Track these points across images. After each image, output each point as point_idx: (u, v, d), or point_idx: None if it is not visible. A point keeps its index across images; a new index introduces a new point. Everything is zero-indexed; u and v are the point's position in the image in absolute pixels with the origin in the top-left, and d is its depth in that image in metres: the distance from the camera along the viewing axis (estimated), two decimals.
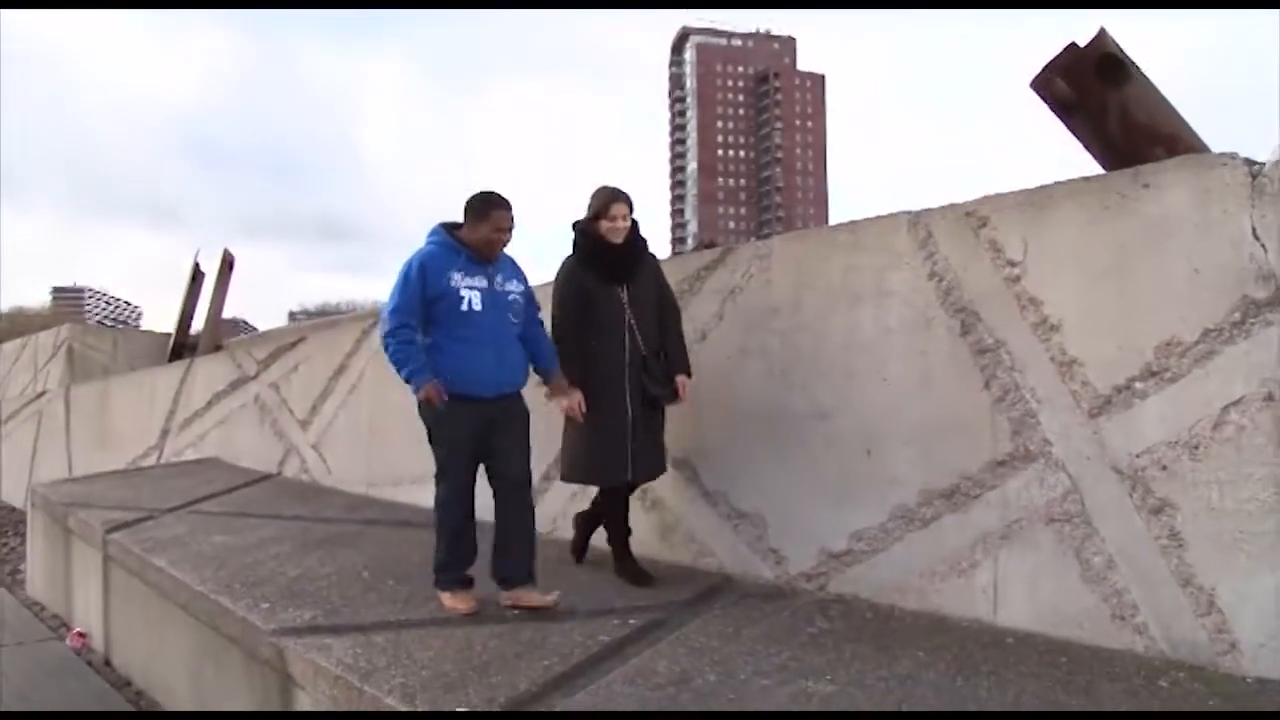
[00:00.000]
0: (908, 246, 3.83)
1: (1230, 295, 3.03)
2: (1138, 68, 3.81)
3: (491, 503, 3.89)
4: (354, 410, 6.89)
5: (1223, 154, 3.10)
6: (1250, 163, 3.04)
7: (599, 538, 4.47)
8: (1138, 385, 3.21)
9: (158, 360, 12.44)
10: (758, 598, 3.91)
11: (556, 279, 4.23)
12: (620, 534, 4.31)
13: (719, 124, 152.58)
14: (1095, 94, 3.81)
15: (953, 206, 3.75)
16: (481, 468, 3.91)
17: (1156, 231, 3.19)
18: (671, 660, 3.23)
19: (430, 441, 3.88)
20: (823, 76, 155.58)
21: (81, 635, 5.91)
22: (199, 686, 4.39)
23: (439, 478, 3.88)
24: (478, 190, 3.88)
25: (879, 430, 3.88)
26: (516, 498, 3.89)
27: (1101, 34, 3.83)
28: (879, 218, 3.98)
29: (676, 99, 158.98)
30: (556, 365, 4.09)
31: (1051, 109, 3.95)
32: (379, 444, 6.59)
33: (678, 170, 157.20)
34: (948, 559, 3.64)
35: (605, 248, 4.13)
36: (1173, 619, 3.11)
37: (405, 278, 3.77)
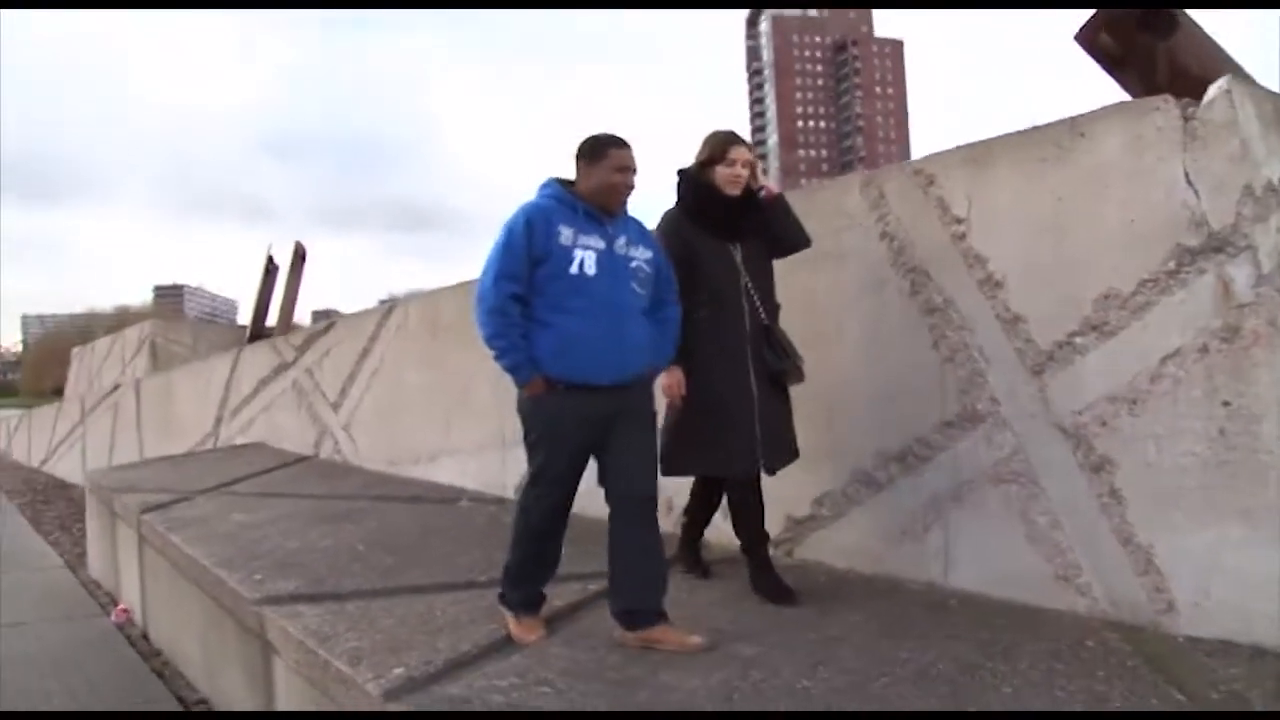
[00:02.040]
0: (860, 208, 3.80)
1: (1164, 244, 2.94)
2: (1186, 14, 3.61)
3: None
4: (377, 392, 7.11)
5: (1155, 99, 3.00)
6: (1184, 108, 2.94)
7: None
8: (1078, 340, 3.15)
9: None
10: (721, 563, 3.94)
11: (657, 232, 3.50)
12: (756, 534, 3.62)
13: (798, 95, 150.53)
14: (1142, 45, 3.61)
15: (902, 166, 3.71)
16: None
17: (1092, 182, 3.11)
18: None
19: (525, 440, 3.20)
20: (901, 42, 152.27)
21: (125, 611, 6.24)
22: (207, 654, 4.63)
23: (531, 481, 3.18)
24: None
25: (837, 394, 3.87)
26: (642, 517, 3.15)
27: None
28: (833, 180, 3.96)
29: (754, 72, 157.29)
30: (666, 365, 3.37)
31: (1098, 63, 3.77)
32: (397, 423, 6.80)
33: (758, 144, 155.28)
34: (902, 522, 3.63)
35: (717, 199, 3.50)
36: (1114, 578, 3.05)
37: (508, 236, 3.07)
